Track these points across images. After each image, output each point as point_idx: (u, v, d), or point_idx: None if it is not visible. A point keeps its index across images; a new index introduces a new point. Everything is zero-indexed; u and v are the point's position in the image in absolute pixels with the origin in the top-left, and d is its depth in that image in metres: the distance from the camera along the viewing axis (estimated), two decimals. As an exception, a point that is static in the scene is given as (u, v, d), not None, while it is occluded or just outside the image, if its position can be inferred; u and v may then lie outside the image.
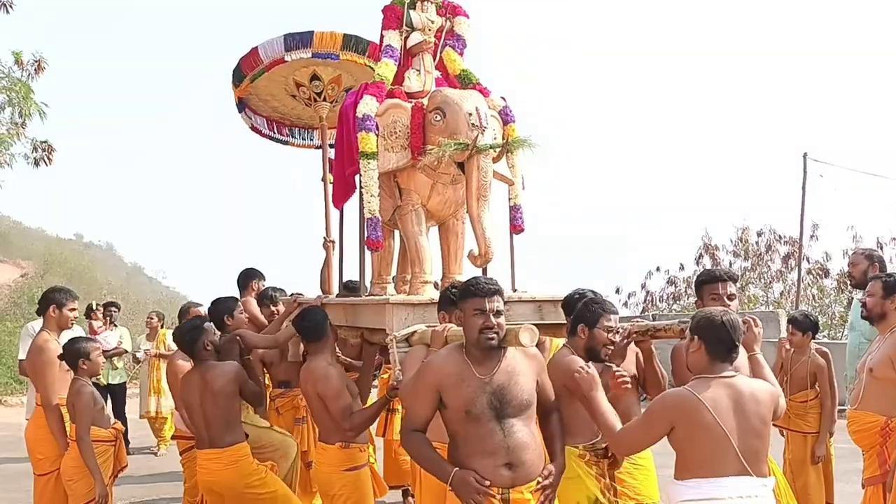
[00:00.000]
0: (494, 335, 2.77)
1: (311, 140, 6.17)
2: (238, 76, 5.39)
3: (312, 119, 5.75)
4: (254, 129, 5.98)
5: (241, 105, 5.74)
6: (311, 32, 5.08)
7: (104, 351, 7.71)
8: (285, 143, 6.14)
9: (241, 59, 5.29)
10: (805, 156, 12.99)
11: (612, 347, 3.19)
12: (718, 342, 2.67)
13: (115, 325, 8.24)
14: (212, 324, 4.24)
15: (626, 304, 18.42)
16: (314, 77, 5.35)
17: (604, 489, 3.16)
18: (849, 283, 5.03)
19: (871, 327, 3.94)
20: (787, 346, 4.93)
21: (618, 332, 3.25)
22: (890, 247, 16.74)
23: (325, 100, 5.47)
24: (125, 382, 8.43)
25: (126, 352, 8.36)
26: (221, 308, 4.53)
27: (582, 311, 3.26)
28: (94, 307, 8.19)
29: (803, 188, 13.13)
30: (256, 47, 5.16)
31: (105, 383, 7.60)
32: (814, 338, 5.11)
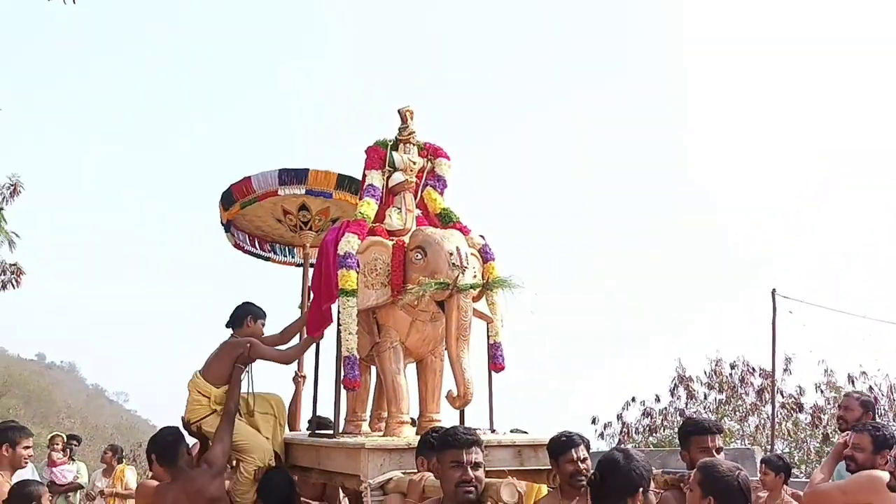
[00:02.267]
0: (472, 489, 2.65)
1: (292, 257, 6.16)
2: (228, 200, 5.43)
3: (295, 240, 5.76)
4: (237, 245, 5.97)
5: (228, 225, 5.76)
6: (307, 170, 5.18)
7: (59, 485, 7.40)
8: (267, 259, 6.13)
9: (232, 185, 5.34)
10: (773, 292, 13.20)
11: (582, 478, 3.02)
12: None
13: (74, 460, 7.93)
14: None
15: (601, 435, 18.03)
16: (303, 206, 5.41)
17: None
18: (838, 427, 4.71)
19: None
20: (760, 488, 4.82)
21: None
22: (860, 381, 16.81)
23: (310, 229, 5.50)
24: (77, 520, 7.96)
25: (81, 487, 7.95)
26: (247, 309, 4.48)
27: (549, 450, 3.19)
28: (53, 437, 7.92)
29: (773, 324, 13.26)
30: (250, 177, 5.24)
31: (56, 521, 7.19)
32: (786, 481, 5.01)
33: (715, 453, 3.23)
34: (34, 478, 4.76)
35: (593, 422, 18.33)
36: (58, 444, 7.79)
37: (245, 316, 4.48)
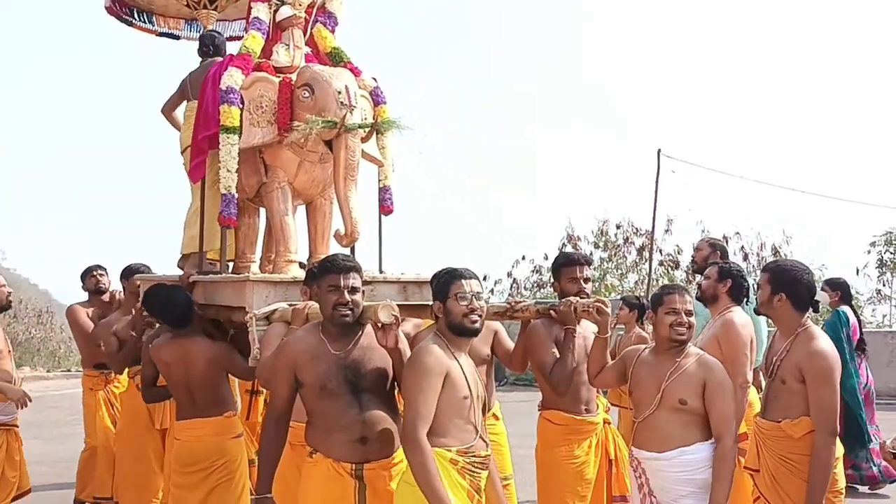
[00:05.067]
0: (349, 311, 2.74)
1: (151, 25, 5.78)
2: None
3: (190, 15, 5.44)
4: (108, 9, 5.57)
5: None
6: None
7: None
8: (129, 24, 5.74)
9: None
10: (659, 152, 13.64)
11: (477, 317, 2.68)
12: None
13: None
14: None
15: (492, 291, 18.85)
16: None
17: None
18: (691, 268, 5.15)
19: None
20: (615, 325, 5.33)
21: (478, 297, 2.73)
22: (734, 241, 18.07)
23: (215, 9, 5.20)
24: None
25: None
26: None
27: (433, 287, 2.79)
28: None
29: (656, 183, 13.77)
30: None
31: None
32: (640, 318, 5.54)
33: (583, 283, 3.45)
34: None
35: (484, 279, 19.09)
36: None
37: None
